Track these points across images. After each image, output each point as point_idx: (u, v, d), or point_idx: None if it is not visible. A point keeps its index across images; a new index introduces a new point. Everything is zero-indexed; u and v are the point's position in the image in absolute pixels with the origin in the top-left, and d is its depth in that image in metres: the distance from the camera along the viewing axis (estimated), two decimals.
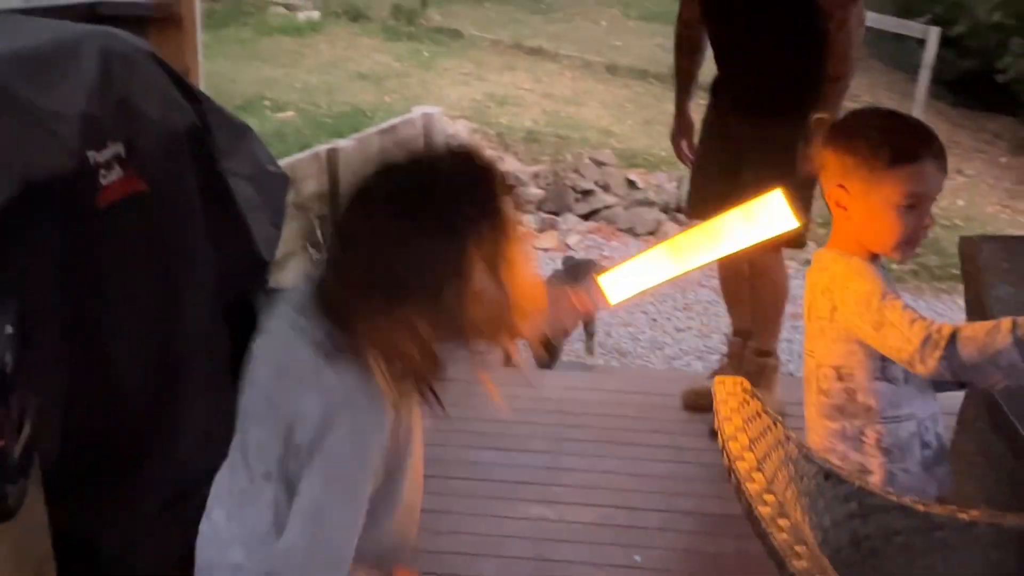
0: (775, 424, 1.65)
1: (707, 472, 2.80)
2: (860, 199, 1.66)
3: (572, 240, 6.49)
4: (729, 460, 1.50)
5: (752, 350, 3.19)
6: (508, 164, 6.98)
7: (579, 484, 2.77)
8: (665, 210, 6.73)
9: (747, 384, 1.68)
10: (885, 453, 1.72)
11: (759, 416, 1.63)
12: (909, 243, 1.68)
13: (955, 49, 9.98)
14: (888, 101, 10.18)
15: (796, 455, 1.65)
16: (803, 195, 2.75)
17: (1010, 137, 10.20)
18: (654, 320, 5.48)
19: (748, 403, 1.63)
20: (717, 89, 2.99)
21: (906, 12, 10.92)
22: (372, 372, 1.21)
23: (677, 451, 2.97)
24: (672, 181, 6.86)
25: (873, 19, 10.23)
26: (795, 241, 2.99)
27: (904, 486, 1.70)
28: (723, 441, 1.53)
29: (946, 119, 10.11)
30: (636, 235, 6.61)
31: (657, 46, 10.57)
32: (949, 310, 5.79)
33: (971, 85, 10.59)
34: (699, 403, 3.13)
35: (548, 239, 6.49)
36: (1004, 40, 9.85)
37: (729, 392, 1.62)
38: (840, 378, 1.72)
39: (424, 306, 1.20)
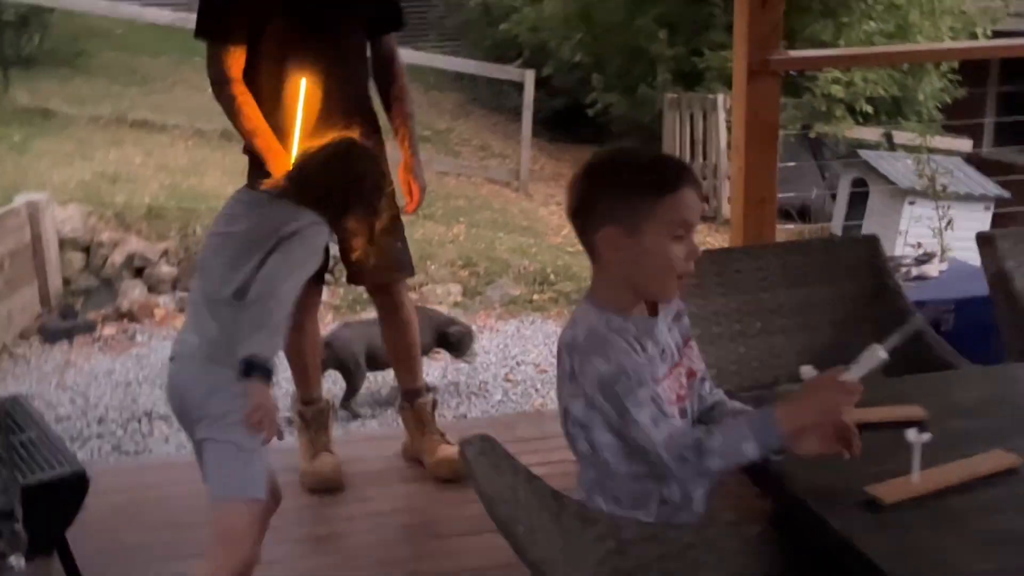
0: (530, 478, 1.62)
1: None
2: (632, 237, 1.64)
3: None
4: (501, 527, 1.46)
5: (407, 397, 3.23)
6: (133, 245, 6.53)
7: None
8: None
9: (492, 439, 1.65)
10: (615, 502, 1.72)
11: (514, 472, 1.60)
12: (682, 277, 1.69)
13: (545, 89, 10.75)
14: (497, 141, 10.76)
15: (551, 502, 1.63)
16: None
17: None
18: None
19: (500, 460, 1.60)
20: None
21: (496, 58, 11.63)
22: None
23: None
24: None
25: (473, 66, 10.83)
26: (409, 269, 3.07)
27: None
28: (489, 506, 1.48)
29: (548, 154, 10.86)
30: None
31: None
32: None
33: (563, 121, 11.46)
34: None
35: None
36: (587, 77, 10.75)
37: (479, 452, 1.57)
38: (581, 428, 1.71)
39: None
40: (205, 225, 6.72)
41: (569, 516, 1.63)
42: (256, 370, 2.03)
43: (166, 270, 6.51)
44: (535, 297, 6.50)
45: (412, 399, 3.24)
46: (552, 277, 6.71)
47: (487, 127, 11.46)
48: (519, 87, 9.58)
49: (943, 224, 5.93)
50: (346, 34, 2.90)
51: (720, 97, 8.91)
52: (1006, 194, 8.11)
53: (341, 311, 6.34)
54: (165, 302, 6.35)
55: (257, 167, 2.80)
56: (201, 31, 2.82)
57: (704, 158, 9.16)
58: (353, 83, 2.92)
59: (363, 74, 3.00)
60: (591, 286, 1.74)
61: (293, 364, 3.23)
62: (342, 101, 2.79)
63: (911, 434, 1.61)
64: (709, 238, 7.95)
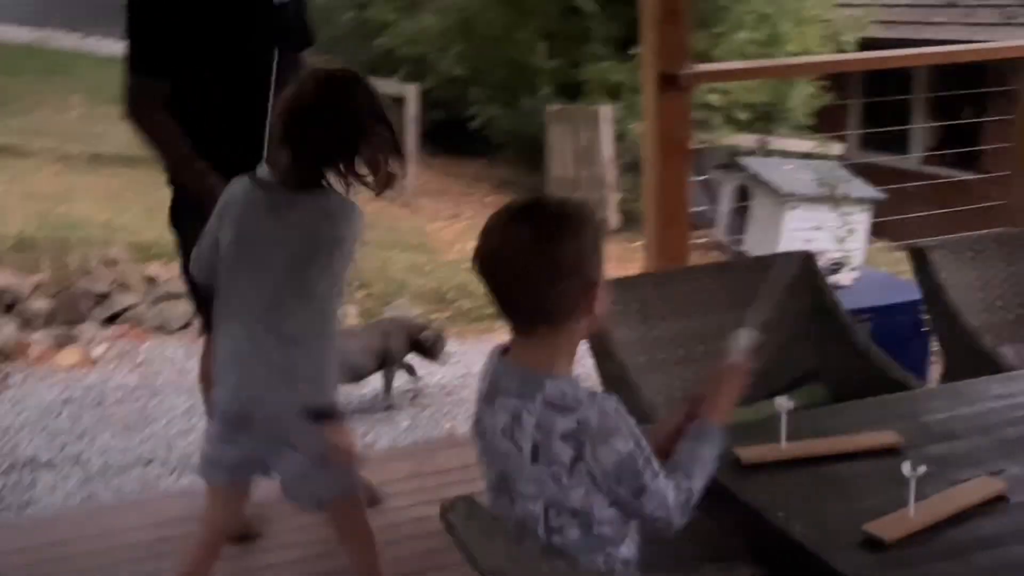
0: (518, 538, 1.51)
1: None
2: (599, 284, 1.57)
3: (99, 351, 5.85)
4: None
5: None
6: (1, 279, 6.12)
7: None
8: None
9: (473, 499, 1.54)
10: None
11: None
12: None
13: (423, 103, 10.60)
14: None
15: (542, 564, 1.52)
16: None
17: (487, 177, 11.07)
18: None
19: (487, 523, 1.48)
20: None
21: (372, 73, 11.42)
22: None
23: None
24: None
25: None
26: None
27: None
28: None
29: (431, 168, 10.72)
30: (170, 332, 6.12)
31: None
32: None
33: (443, 134, 11.34)
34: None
35: (70, 355, 5.78)
36: (464, 90, 10.68)
37: (466, 516, 1.45)
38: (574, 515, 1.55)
39: None
40: (80, 255, 6.37)
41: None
42: (325, 416, 2.03)
43: (39, 305, 6.12)
44: (434, 316, 6.37)
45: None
46: (450, 295, 6.59)
47: None
48: (400, 102, 9.42)
49: (846, 231, 6.05)
50: (270, 59, 2.76)
51: (603, 109, 8.96)
52: (883, 196, 8.38)
53: None
54: (40, 339, 5.96)
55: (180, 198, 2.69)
56: (131, 65, 2.68)
57: (590, 169, 9.19)
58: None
59: None
60: (541, 353, 1.55)
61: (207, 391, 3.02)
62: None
63: (906, 468, 1.56)
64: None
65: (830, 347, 2.53)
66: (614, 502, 1.52)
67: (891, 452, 1.79)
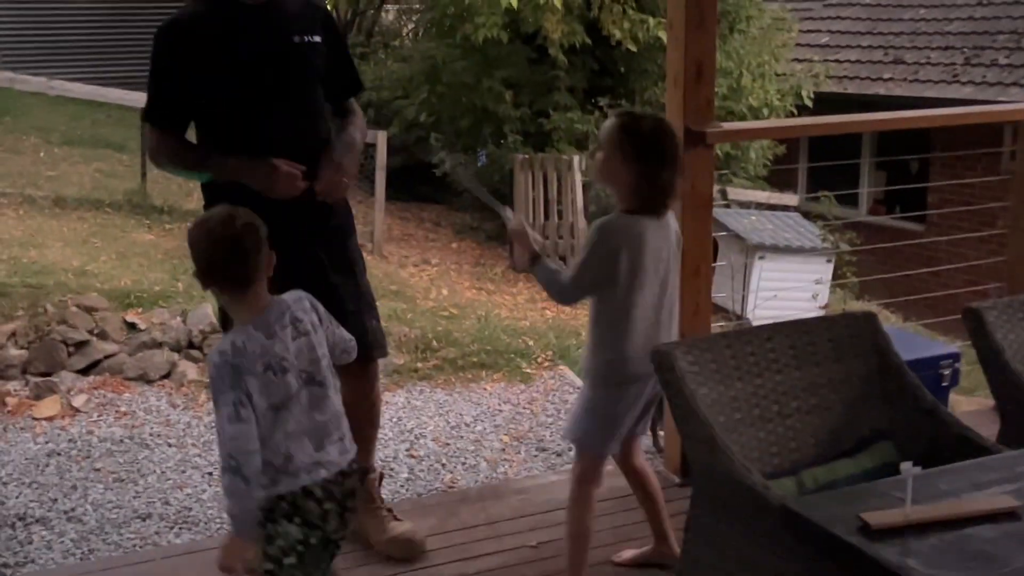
0: None
1: None
2: None
3: (79, 401, 5.69)
4: None
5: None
6: None
7: None
8: (177, 349, 6.19)
9: None
10: None
11: None
12: None
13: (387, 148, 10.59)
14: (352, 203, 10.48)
15: None
16: None
17: (449, 223, 11.08)
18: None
19: None
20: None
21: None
22: None
23: None
24: (176, 316, 6.34)
25: None
26: (382, 350, 3.16)
27: None
28: None
29: (394, 215, 10.70)
30: (150, 382, 5.98)
31: (98, 172, 9.83)
32: (484, 398, 6.05)
33: (402, 180, 11.33)
34: None
35: (49, 406, 5.61)
36: (425, 136, 10.71)
37: None
38: None
39: None
40: (56, 302, 6.21)
41: None
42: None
43: (15, 353, 5.94)
44: (419, 365, 6.33)
45: (362, 476, 3.07)
46: (434, 343, 6.56)
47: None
48: (369, 147, 9.40)
49: (814, 281, 6.19)
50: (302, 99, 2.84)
51: (576, 158, 9.05)
52: (847, 248, 8.60)
53: None
54: (16, 389, 5.79)
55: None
56: (147, 116, 2.88)
57: (560, 217, 9.26)
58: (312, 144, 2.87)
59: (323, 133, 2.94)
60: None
61: None
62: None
63: (905, 467, 1.82)
64: None
65: (897, 406, 2.58)
66: None
67: (1010, 516, 1.84)
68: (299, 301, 2.30)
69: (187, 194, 9.10)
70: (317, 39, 2.82)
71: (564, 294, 2.70)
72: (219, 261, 2.18)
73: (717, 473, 2.33)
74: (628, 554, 3.01)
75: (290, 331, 2.23)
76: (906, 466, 1.87)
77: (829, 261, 8.52)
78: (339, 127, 2.97)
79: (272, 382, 2.18)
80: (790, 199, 10.57)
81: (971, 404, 4.75)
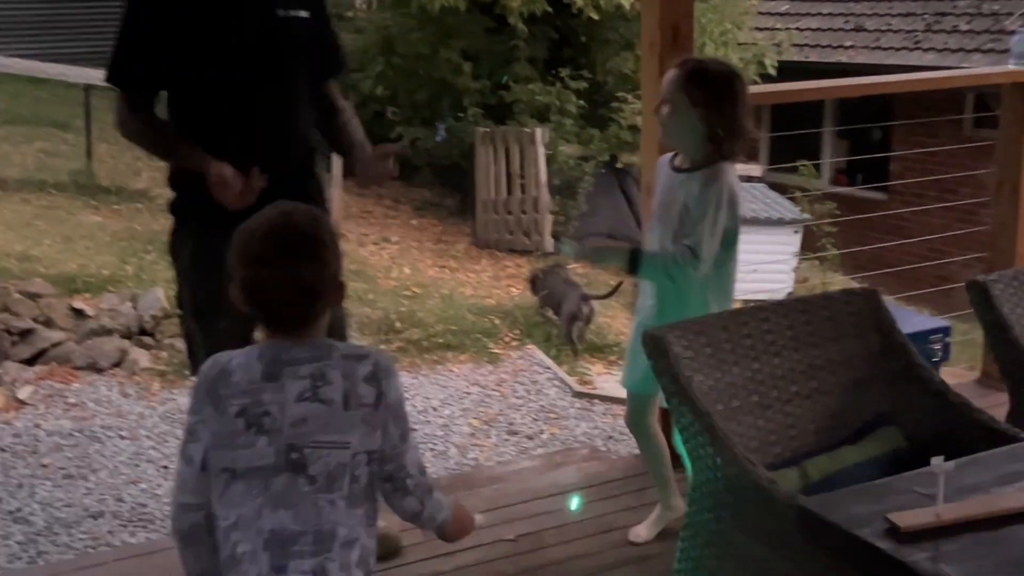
0: None
1: None
2: None
3: (24, 393, 5.40)
4: None
5: None
6: None
7: None
8: (127, 336, 5.91)
9: None
10: None
11: None
12: None
13: None
14: None
15: None
16: None
17: (408, 200, 10.83)
18: None
19: None
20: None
21: None
22: None
23: None
24: (126, 301, 6.06)
25: None
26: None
27: None
28: None
29: (351, 192, 10.42)
30: (100, 371, 5.71)
31: (41, 152, 9.45)
32: (451, 380, 5.85)
33: None
34: None
35: None
36: (382, 110, 10.42)
37: None
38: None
39: None
40: None
41: None
42: None
43: None
44: (383, 347, 6.11)
45: None
46: (397, 325, 6.34)
47: None
48: None
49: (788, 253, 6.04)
50: (284, 80, 2.58)
51: (538, 131, 8.83)
52: (810, 219, 8.46)
53: (168, 377, 5.71)
54: None
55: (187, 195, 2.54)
56: (111, 77, 2.54)
57: (523, 191, 9.04)
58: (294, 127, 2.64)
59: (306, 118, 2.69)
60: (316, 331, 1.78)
61: None
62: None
63: (936, 461, 1.64)
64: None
65: (901, 388, 2.42)
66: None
67: None
68: (352, 361, 1.70)
69: (135, 173, 8.78)
70: (304, 13, 2.58)
71: (701, 265, 2.50)
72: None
73: (717, 467, 2.15)
74: (643, 530, 2.94)
75: (301, 385, 1.66)
76: (937, 461, 1.69)
77: (796, 232, 8.39)
78: (340, 124, 2.73)
79: (238, 436, 1.64)
80: (755, 170, 10.44)
81: (953, 376, 4.62)
